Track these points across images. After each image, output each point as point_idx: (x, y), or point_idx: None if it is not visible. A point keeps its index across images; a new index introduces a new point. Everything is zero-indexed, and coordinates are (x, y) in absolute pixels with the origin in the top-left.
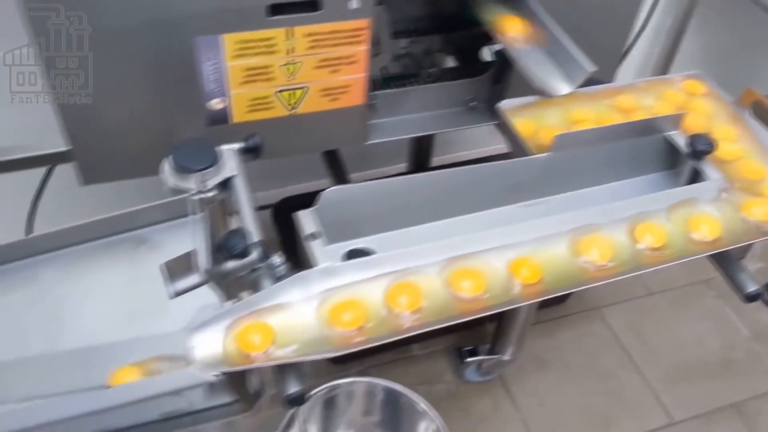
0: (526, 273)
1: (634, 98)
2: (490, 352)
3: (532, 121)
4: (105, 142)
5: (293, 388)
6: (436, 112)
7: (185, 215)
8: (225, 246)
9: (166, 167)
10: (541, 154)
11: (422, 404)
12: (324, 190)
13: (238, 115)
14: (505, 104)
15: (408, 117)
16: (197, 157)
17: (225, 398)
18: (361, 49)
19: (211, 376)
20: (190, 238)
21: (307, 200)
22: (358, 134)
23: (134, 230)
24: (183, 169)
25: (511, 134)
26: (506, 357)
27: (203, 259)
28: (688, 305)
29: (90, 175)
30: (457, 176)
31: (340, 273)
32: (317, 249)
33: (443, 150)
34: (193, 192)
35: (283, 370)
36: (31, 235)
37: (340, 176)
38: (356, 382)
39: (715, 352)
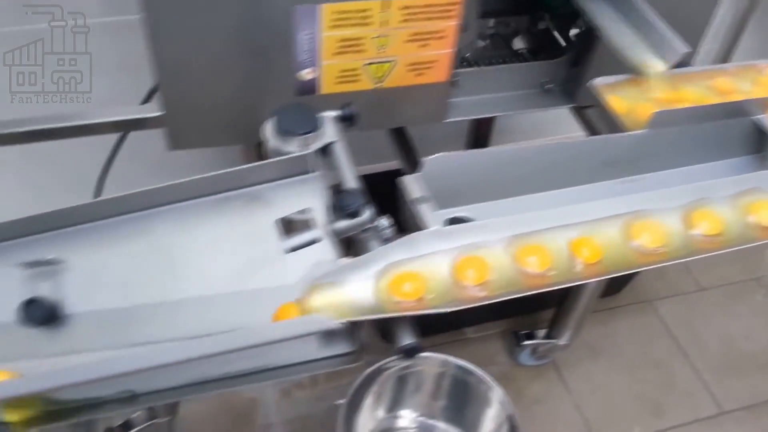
0: (587, 252)
1: (731, 81)
2: (547, 336)
3: (625, 99)
4: (195, 110)
5: (408, 339)
6: (512, 93)
7: (296, 174)
8: (339, 205)
9: (269, 129)
10: (637, 131)
11: (495, 390)
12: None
13: (327, 87)
14: (598, 81)
15: (484, 97)
16: (300, 121)
17: (338, 349)
18: (451, 24)
19: (338, 323)
20: (301, 197)
21: (370, 182)
22: (437, 111)
23: (247, 187)
24: (286, 132)
25: (604, 111)
26: (562, 342)
27: (320, 216)
28: (738, 301)
29: (178, 141)
30: (552, 150)
31: (449, 236)
32: (426, 212)
33: (500, 139)
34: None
35: (398, 323)
36: (146, 188)
37: (410, 157)
38: (430, 358)
39: (765, 346)
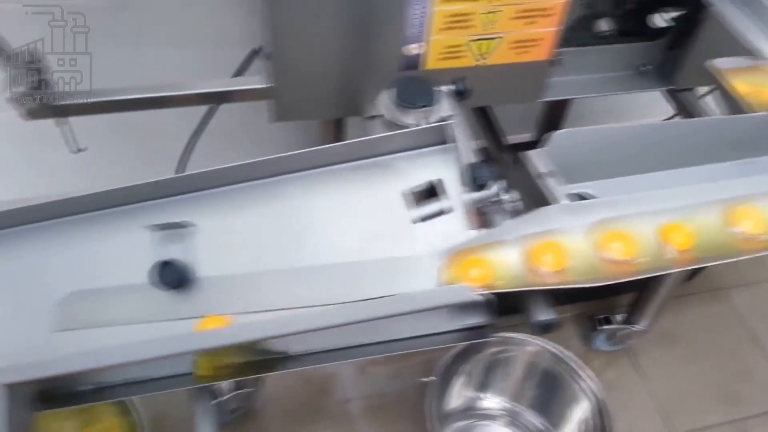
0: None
1: None
2: (625, 321)
3: (747, 81)
4: (303, 82)
5: (545, 315)
6: (607, 74)
7: (427, 145)
8: (473, 176)
9: (385, 101)
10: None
11: (587, 381)
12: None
13: (431, 62)
14: (718, 63)
15: (578, 78)
16: (418, 94)
17: (471, 322)
18: (561, 2)
19: (482, 294)
20: (431, 168)
21: None
22: (535, 90)
23: (377, 156)
24: (404, 104)
25: (725, 92)
26: (640, 328)
27: (450, 187)
28: None
29: (284, 113)
30: (675, 128)
31: (580, 211)
32: (554, 187)
33: (573, 124)
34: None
35: (532, 297)
36: (279, 155)
37: (495, 137)
38: (526, 341)
39: None
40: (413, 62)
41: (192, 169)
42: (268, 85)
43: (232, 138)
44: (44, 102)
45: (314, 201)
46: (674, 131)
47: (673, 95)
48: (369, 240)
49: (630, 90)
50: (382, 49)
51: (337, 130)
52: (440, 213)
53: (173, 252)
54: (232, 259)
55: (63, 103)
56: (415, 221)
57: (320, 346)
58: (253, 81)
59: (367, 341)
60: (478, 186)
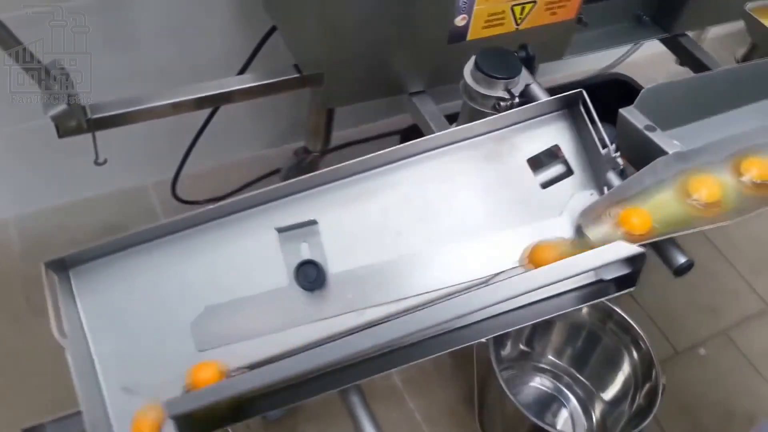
0: None
1: None
2: None
3: None
4: (351, 65)
5: (683, 258)
6: (610, 27)
7: (538, 116)
8: (598, 137)
9: (468, 75)
10: None
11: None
12: None
13: (474, 32)
14: (751, 5)
15: (590, 33)
16: (504, 65)
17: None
18: None
19: (640, 248)
20: (546, 135)
21: None
22: (560, 49)
23: (494, 132)
24: (494, 76)
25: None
26: None
27: (569, 150)
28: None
29: (331, 99)
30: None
31: (690, 158)
32: (660, 138)
33: None
34: (503, 99)
35: (667, 242)
36: (395, 147)
37: None
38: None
39: None
40: (460, 34)
41: (189, 167)
42: (318, 72)
43: (222, 133)
44: (79, 118)
45: (436, 183)
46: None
47: (674, 44)
48: (501, 212)
49: (635, 40)
50: (429, 23)
51: (328, 117)
52: (564, 176)
53: (302, 251)
54: (359, 252)
55: (98, 116)
56: (542, 187)
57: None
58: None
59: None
60: (602, 146)
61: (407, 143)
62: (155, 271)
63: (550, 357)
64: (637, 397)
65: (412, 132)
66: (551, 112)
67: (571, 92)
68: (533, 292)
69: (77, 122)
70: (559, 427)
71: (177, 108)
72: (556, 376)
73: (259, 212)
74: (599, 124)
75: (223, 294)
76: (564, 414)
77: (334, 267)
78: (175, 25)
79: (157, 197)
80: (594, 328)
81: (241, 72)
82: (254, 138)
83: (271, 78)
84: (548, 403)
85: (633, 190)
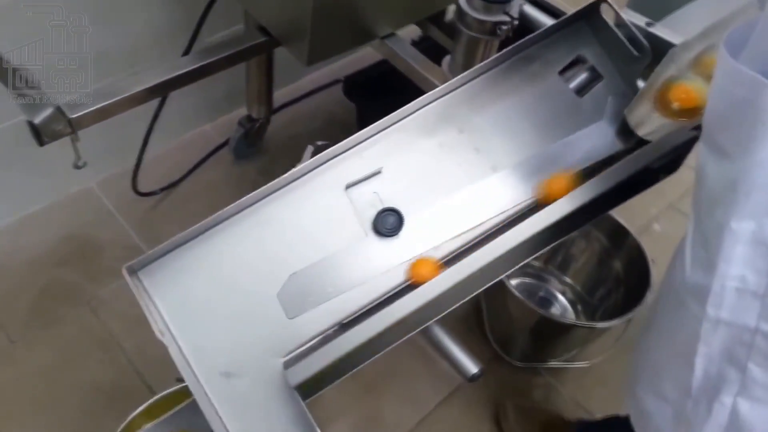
0: None
1: None
2: None
3: None
4: (336, 17)
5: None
6: None
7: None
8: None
9: (465, 2)
10: None
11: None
12: None
13: None
14: None
15: None
16: None
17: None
18: None
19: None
20: (570, 46)
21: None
22: None
23: (523, 51)
24: (489, 1)
25: None
26: None
27: (593, 57)
28: None
29: (316, 54)
30: None
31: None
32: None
33: None
34: (503, 23)
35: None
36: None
37: None
38: None
39: None
40: None
41: (131, 158)
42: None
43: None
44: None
45: (482, 111)
46: None
47: None
48: (551, 125)
49: None
50: None
51: (268, 81)
52: (597, 80)
53: (374, 201)
54: (425, 189)
55: (78, 114)
56: (578, 94)
57: None
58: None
59: None
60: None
61: (446, 84)
62: (224, 255)
63: (535, 263)
64: (622, 287)
65: (357, 77)
66: (571, 25)
67: (591, 1)
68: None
69: (63, 124)
70: None
71: (154, 92)
72: (542, 279)
73: (316, 175)
74: (628, 24)
75: (302, 260)
76: (555, 312)
77: (406, 209)
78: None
79: (106, 196)
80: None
81: (188, 48)
82: (190, 116)
83: (236, 47)
84: (539, 304)
85: (661, 77)
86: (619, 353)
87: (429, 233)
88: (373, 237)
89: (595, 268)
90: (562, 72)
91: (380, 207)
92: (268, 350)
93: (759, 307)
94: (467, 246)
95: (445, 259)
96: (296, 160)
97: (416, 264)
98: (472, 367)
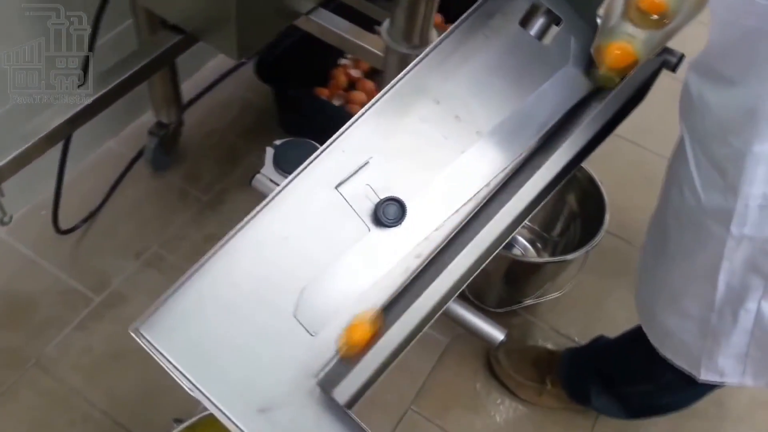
0: None
1: None
2: None
3: None
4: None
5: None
6: None
7: None
8: None
9: None
10: None
11: None
12: None
13: None
14: None
15: None
16: None
17: None
18: None
19: None
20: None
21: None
22: None
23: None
24: None
25: None
26: None
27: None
28: None
29: (246, 48)
30: None
31: None
32: None
33: None
34: None
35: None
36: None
37: None
38: None
39: None
40: None
41: (43, 194)
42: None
43: None
44: None
45: (452, 79)
46: None
47: None
48: (524, 77)
49: None
50: None
51: (174, 81)
52: (557, 22)
53: (370, 195)
54: (419, 169)
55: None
56: (539, 39)
57: None
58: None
59: None
60: None
61: (416, 60)
62: (227, 287)
63: None
64: (579, 219)
65: (268, 57)
66: None
67: None
68: None
69: None
70: None
71: (74, 124)
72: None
73: (302, 181)
74: None
75: (309, 272)
76: (517, 253)
77: (404, 193)
78: None
79: (21, 242)
80: None
81: (86, 62)
82: (89, 135)
83: (153, 53)
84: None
85: None
86: (584, 278)
87: (432, 213)
88: (377, 230)
89: (550, 205)
90: (522, 22)
91: (376, 199)
92: (298, 374)
93: None
94: (469, 217)
95: (452, 235)
96: (221, 158)
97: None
98: (498, 335)
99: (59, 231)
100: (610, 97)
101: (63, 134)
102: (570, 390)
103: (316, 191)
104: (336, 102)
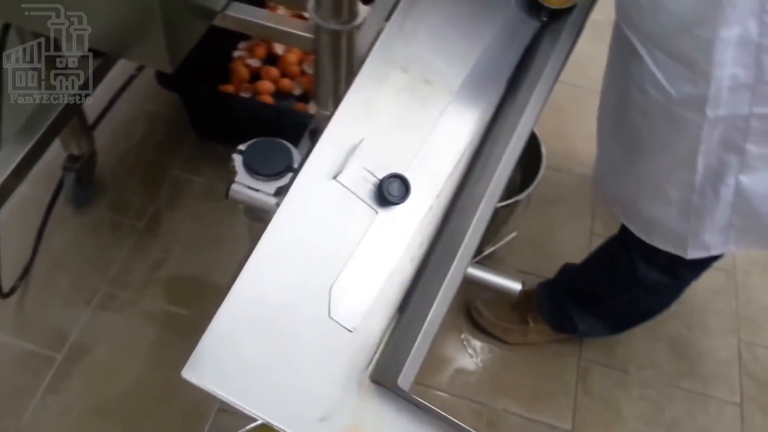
0: None
1: None
2: None
3: None
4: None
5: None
6: None
7: None
8: None
9: None
10: None
11: None
12: None
13: None
14: None
15: None
16: None
17: None
18: None
19: None
20: None
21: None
22: None
23: None
24: None
25: None
26: None
27: None
28: None
29: (176, 53)
30: None
31: None
32: None
33: None
34: None
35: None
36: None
37: None
38: None
39: None
40: None
41: None
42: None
43: None
44: None
45: (411, 42)
46: None
47: None
48: (473, 28)
49: None
50: None
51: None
52: None
53: (368, 177)
54: (407, 144)
55: None
56: None
57: None
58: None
59: None
60: None
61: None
62: (256, 307)
63: None
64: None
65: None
66: None
67: None
68: None
69: None
70: None
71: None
72: None
73: (299, 183)
74: None
75: (332, 269)
76: None
77: (403, 169)
78: None
79: None
80: None
81: None
82: None
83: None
84: None
85: None
86: (531, 215)
87: (432, 180)
88: (384, 212)
89: None
90: None
91: (375, 180)
92: (348, 373)
93: (750, 95)
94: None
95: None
96: (143, 179)
97: None
98: (516, 285)
99: (2, 294)
100: (567, 28)
101: None
102: (552, 322)
103: (317, 187)
104: (244, 95)
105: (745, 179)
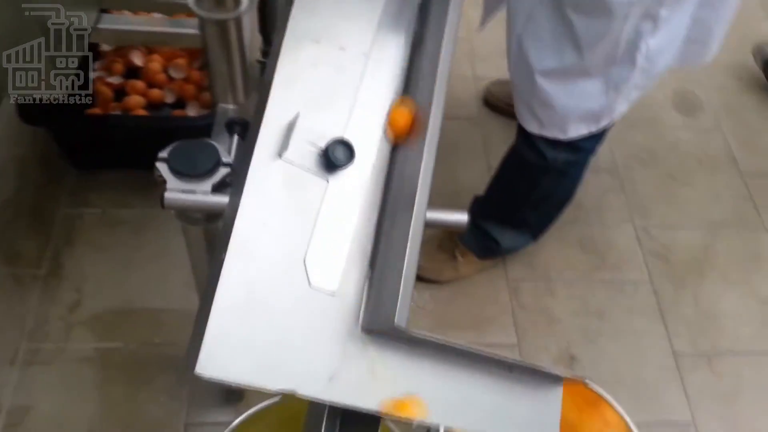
0: None
1: None
2: None
3: None
4: None
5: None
6: None
7: None
8: None
9: None
10: None
11: None
12: None
13: None
14: None
15: None
16: None
17: None
18: None
19: None
20: None
21: None
22: None
23: None
24: None
25: None
26: None
27: None
28: None
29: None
30: None
31: None
32: None
33: None
34: None
35: None
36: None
37: None
38: None
39: None
40: None
41: None
42: None
43: None
44: None
45: (315, 13)
46: None
47: None
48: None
49: None
50: None
51: None
52: None
53: (311, 147)
54: (339, 110)
55: None
56: None
57: None
58: None
59: None
60: None
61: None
62: (244, 293)
63: None
64: None
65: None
66: None
67: None
68: None
69: None
70: None
71: None
72: None
73: (252, 171)
74: None
75: (301, 243)
76: None
77: (339, 133)
78: None
79: None
80: None
81: None
82: None
83: None
84: None
85: None
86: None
87: (371, 137)
88: (335, 177)
89: None
90: None
91: (319, 150)
92: (343, 332)
93: None
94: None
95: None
96: (31, 225)
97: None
98: (463, 216)
99: None
100: None
101: None
102: (478, 249)
103: (267, 170)
104: (116, 114)
105: (652, 41)
